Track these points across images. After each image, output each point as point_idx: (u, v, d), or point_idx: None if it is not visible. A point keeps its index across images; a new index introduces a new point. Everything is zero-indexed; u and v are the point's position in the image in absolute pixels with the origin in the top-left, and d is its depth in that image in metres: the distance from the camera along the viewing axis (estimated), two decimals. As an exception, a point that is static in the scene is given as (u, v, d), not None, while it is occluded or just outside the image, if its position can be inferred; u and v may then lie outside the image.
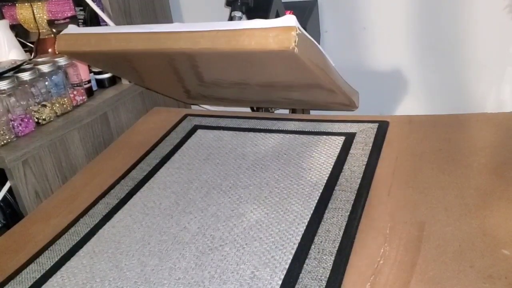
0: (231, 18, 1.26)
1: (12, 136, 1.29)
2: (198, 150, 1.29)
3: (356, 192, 1.00)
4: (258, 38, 0.94)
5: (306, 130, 1.29)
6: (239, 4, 1.25)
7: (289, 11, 1.39)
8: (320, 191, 1.03)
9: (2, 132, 1.26)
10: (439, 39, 1.51)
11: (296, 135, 1.27)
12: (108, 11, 1.51)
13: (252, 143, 1.28)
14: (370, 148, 1.15)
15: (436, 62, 1.55)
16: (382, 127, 1.23)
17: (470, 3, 1.42)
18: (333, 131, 1.26)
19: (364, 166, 1.08)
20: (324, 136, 1.24)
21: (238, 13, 1.25)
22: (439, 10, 1.47)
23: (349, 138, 1.21)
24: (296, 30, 0.90)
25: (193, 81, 1.31)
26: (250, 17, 1.27)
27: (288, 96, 1.31)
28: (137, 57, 1.18)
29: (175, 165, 1.24)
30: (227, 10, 1.30)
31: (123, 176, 1.23)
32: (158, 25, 1.10)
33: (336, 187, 1.03)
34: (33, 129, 1.34)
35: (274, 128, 1.33)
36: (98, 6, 1.48)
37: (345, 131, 1.24)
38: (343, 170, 1.08)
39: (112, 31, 1.15)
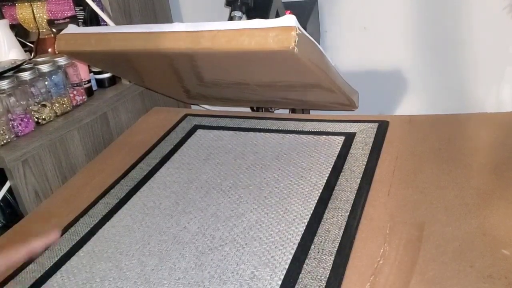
0: (231, 18, 1.26)
1: (12, 136, 1.29)
2: (198, 150, 1.29)
3: (356, 192, 1.00)
4: (258, 38, 0.94)
5: (306, 130, 1.29)
6: (239, 4, 1.24)
7: (288, 11, 1.39)
8: (320, 191, 1.03)
9: (2, 132, 1.26)
10: (439, 39, 1.51)
11: (296, 135, 1.28)
12: (108, 11, 1.51)
13: (252, 143, 1.28)
14: (370, 148, 1.15)
15: (436, 62, 1.55)
16: (382, 127, 1.23)
17: (470, 3, 1.42)
18: (333, 130, 1.26)
19: (364, 166, 1.08)
20: (324, 136, 1.24)
21: (238, 13, 1.25)
22: (439, 10, 1.47)
23: (349, 138, 1.21)
24: (296, 30, 0.90)
25: (192, 81, 1.31)
26: (250, 17, 1.27)
27: (288, 96, 1.31)
28: (137, 57, 1.18)
29: (175, 165, 1.24)
30: (227, 10, 1.30)
31: (123, 176, 1.23)
32: (158, 25, 1.09)
33: (336, 187, 1.03)
34: (33, 129, 1.33)
35: (274, 128, 1.33)
36: (98, 6, 1.48)
37: (345, 131, 1.24)
38: (343, 170, 1.08)
39: (112, 31, 1.15)
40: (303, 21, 1.45)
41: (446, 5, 1.45)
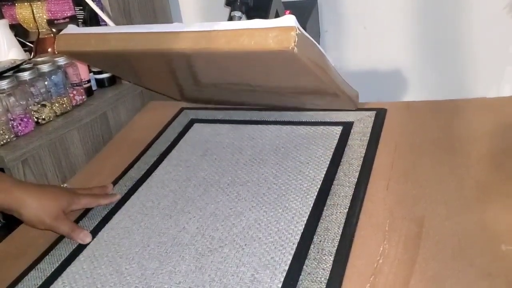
0: (230, 18, 1.26)
1: (12, 136, 1.29)
2: (195, 146, 1.28)
3: (354, 186, 0.99)
4: (257, 38, 0.93)
5: (303, 120, 1.28)
6: (238, 4, 1.24)
7: (288, 11, 1.38)
8: (319, 186, 1.02)
9: (1, 131, 1.26)
10: (439, 38, 1.51)
11: (294, 126, 1.26)
12: (107, 11, 1.51)
13: (249, 136, 1.27)
14: (368, 138, 1.13)
15: (436, 61, 1.55)
16: (380, 115, 1.21)
17: (470, 2, 1.42)
18: (331, 120, 1.25)
19: (362, 159, 1.07)
20: (322, 127, 1.23)
21: (237, 13, 1.25)
22: (439, 9, 1.47)
23: (347, 128, 1.19)
24: (296, 30, 0.90)
25: (192, 81, 1.30)
26: (249, 17, 1.27)
27: (287, 96, 1.30)
28: (137, 58, 1.18)
29: (172, 162, 1.24)
30: (227, 10, 1.29)
31: (121, 176, 1.23)
32: (158, 25, 1.09)
33: (335, 182, 1.02)
34: (33, 129, 1.34)
35: (271, 120, 1.32)
36: (98, 5, 1.48)
37: (343, 120, 1.23)
38: (341, 163, 1.07)
39: (112, 31, 1.15)
40: (303, 21, 1.44)
41: (446, 5, 1.45)
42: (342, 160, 1.08)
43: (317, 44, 1.02)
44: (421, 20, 1.51)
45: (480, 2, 1.41)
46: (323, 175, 1.05)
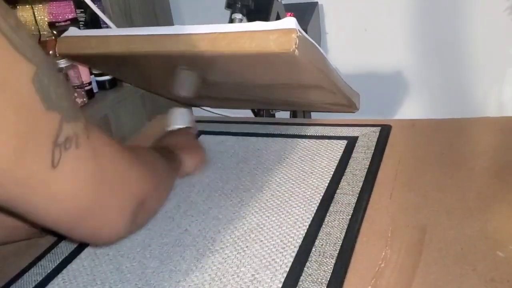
0: (231, 21, 1.26)
1: (13, 139, 1.28)
2: (201, 154, 1.29)
3: (357, 195, 1.00)
4: (258, 41, 0.93)
5: (308, 134, 1.29)
6: (239, 6, 1.24)
7: (289, 13, 1.38)
8: (322, 194, 1.02)
9: (3, 134, 1.26)
10: (440, 40, 1.51)
11: (298, 139, 1.27)
12: (109, 13, 1.51)
13: (254, 147, 1.28)
14: (372, 152, 1.15)
15: (437, 63, 1.55)
16: (384, 131, 1.23)
17: (470, 5, 1.42)
18: (335, 135, 1.26)
19: (366, 170, 1.08)
20: (326, 140, 1.24)
21: (238, 15, 1.24)
22: (440, 11, 1.47)
23: (351, 142, 1.20)
24: (297, 33, 0.90)
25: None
26: (250, 19, 1.26)
27: (289, 98, 1.30)
28: (138, 60, 1.18)
29: (177, 169, 1.24)
30: (228, 13, 1.29)
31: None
32: (159, 27, 1.09)
33: (338, 191, 1.03)
34: (34, 131, 1.33)
35: (276, 133, 1.33)
36: (99, 8, 1.48)
37: (347, 135, 1.24)
38: (345, 174, 1.08)
39: (113, 34, 1.15)
40: (304, 23, 1.44)
41: (447, 7, 1.45)
42: (346, 171, 1.09)
43: (318, 46, 1.02)
44: (422, 22, 1.51)
45: (481, 4, 1.41)
46: (326, 184, 1.06)
